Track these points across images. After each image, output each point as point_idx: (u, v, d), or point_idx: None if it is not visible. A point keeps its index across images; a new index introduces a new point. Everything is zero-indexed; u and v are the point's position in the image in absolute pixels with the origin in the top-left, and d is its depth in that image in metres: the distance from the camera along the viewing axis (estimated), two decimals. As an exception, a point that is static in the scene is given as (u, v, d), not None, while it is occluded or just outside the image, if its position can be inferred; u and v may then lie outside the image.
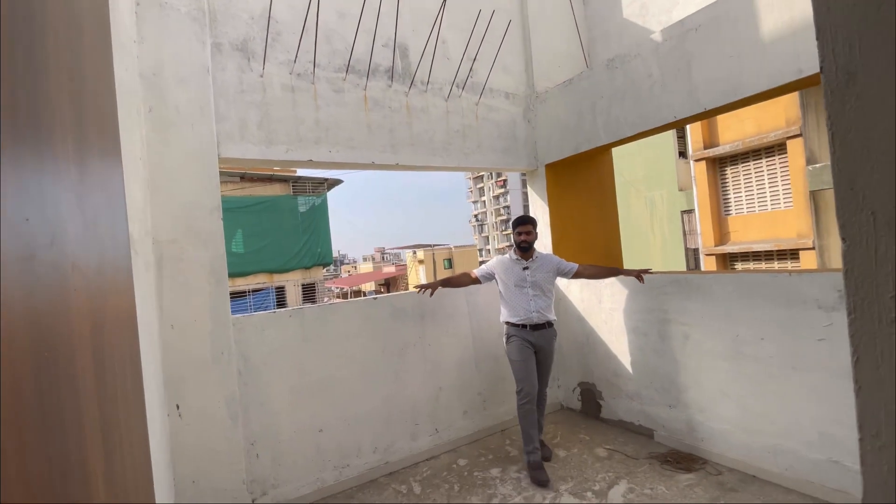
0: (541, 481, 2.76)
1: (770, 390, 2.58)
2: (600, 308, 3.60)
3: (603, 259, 4.27)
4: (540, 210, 4.00)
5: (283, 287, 13.17)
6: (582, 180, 4.15)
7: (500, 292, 3.15)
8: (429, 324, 3.36)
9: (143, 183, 2.21)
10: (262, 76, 2.75)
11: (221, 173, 2.63)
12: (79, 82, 0.69)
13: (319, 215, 13.39)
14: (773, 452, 2.59)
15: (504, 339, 3.10)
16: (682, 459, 2.95)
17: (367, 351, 3.08)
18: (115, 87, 0.98)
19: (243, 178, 12.68)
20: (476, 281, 3.20)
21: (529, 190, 4.13)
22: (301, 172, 13.00)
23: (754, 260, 13.31)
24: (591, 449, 3.22)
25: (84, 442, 0.52)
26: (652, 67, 3.00)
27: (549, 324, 3.06)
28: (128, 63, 2.01)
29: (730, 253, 13.52)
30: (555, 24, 4.12)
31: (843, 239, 0.53)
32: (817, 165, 11.55)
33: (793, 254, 12.24)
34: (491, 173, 56.35)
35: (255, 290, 12.55)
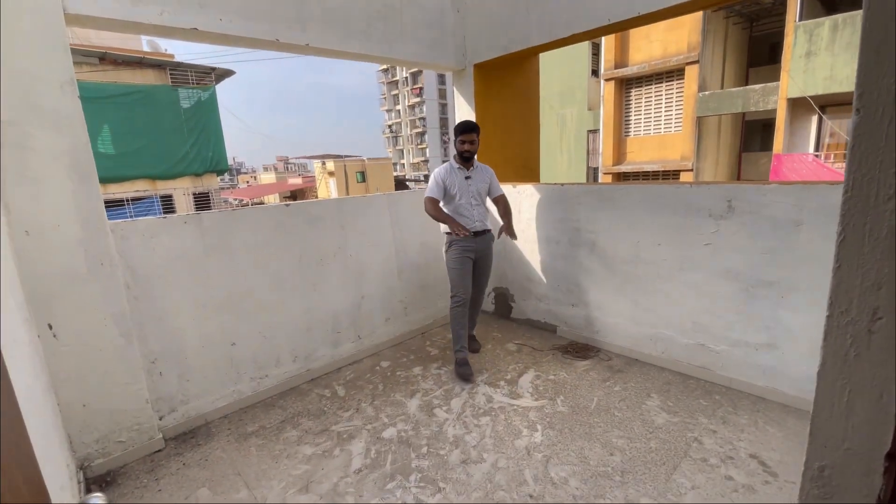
0: (464, 376, 2.94)
1: (658, 288, 2.94)
2: (519, 218, 3.70)
3: (521, 171, 4.32)
4: (465, 115, 3.82)
5: (170, 196, 11.60)
6: (509, 86, 3.99)
7: (442, 201, 3.02)
8: (350, 233, 3.19)
9: (-54, 35, 1.59)
10: None
11: (74, 52, 2.02)
12: None
13: (208, 113, 11.56)
14: (653, 339, 3.03)
15: (444, 248, 3.09)
16: (580, 349, 3.35)
17: (282, 261, 2.85)
18: None
19: (104, 59, 10.28)
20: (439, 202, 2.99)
21: (455, 93, 3.89)
22: (181, 58, 10.91)
23: (643, 179, 14.73)
24: (503, 344, 3.50)
25: None
26: (592, -41, 2.80)
27: (488, 230, 3.12)
28: None
29: (624, 172, 14.73)
30: None
31: (858, 110, 0.49)
32: (706, 92, 12.60)
33: (675, 174, 13.75)
34: (406, 80, 52.93)
35: (135, 199, 10.91)
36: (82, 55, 9.83)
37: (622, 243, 3.06)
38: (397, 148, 59.20)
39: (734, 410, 2.47)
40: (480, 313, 4.10)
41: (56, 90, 1.93)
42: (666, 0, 2.51)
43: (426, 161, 52.37)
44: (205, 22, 2.33)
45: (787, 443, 2.18)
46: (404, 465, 2.17)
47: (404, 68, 50.15)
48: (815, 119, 11.35)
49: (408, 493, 1.99)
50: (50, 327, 1.99)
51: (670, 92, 13.41)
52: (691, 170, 13.13)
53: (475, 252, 3.05)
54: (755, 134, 14.48)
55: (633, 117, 14.35)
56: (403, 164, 56.59)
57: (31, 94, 1.87)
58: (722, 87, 13.13)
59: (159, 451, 2.37)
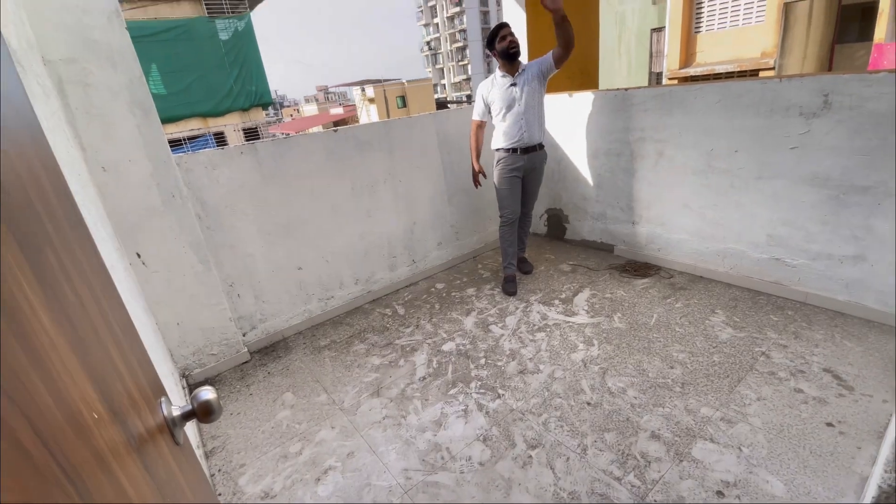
0: (509, 292, 3.08)
1: (730, 200, 2.71)
2: (574, 132, 3.46)
3: (578, 77, 3.96)
4: (515, 17, 3.47)
5: (221, 133, 11.94)
6: (563, -22, 3.52)
7: (491, 118, 2.96)
8: (398, 158, 3.15)
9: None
10: None
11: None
12: None
13: (246, 43, 11.37)
14: (721, 255, 2.87)
15: (493, 164, 3.01)
16: (639, 268, 3.25)
17: (335, 188, 2.90)
18: None
19: (139, -6, 10.17)
20: (483, 125, 2.98)
21: (502, -8, 3.50)
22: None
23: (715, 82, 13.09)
24: (557, 265, 3.47)
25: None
26: None
27: (541, 146, 2.93)
28: None
29: (692, 76, 13.13)
30: None
31: None
32: (801, -32, 10.55)
33: (752, 75, 12.08)
34: (443, -12, 48.46)
35: (191, 138, 11.33)
36: (120, -9, 9.77)
37: (693, 151, 2.80)
38: (437, 67, 56.05)
39: (808, 326, 2.35)
40: (532, 236, 4.06)
41: (104, 22, 1.93)
42: None
43: (468, 79, 49.43)
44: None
45: (866, 358, 2.06)
46: (465, 374, 2.30)
47: (441, -26, 45.76)
48: (941, -10, 9.27)
49: (469, 398, 2.13)
50: (139, 255, 2.19)
51: (755, -29, 11.35)
52: (773, 68, 11.46)
53: (523, 170, 2.93)
54: (852, 22, 12.15)
55: (706, 8, 12.46)
56: (444, 86, 53.87)
57: (81, 29, 1.88)
58: (821, -40, 10.91)
59: (246, 362, 2.66)
